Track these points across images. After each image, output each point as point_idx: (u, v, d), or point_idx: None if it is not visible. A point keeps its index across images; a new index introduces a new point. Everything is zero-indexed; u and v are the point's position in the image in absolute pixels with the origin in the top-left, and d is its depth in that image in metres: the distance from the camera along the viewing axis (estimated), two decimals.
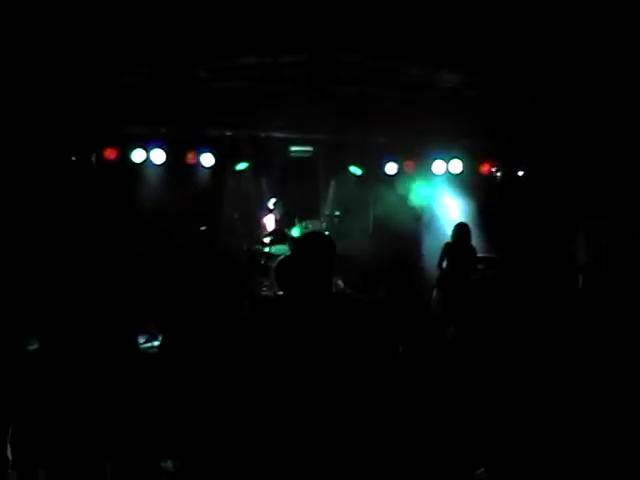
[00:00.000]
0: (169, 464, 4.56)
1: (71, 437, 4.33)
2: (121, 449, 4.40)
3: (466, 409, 4.80)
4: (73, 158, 10.09)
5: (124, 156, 10.36)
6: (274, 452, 3.60)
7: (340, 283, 10.41)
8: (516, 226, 10.45)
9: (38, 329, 5.13)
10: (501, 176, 11.01)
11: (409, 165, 10.80)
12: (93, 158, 10.19)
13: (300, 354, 3.63)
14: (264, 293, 9.73)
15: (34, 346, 5.04)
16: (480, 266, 9.44)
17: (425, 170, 10.90)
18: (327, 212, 10.89)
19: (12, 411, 4.52)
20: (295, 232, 10.57)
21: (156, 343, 7.55)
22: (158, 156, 10.41)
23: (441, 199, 10.99)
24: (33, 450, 4.33)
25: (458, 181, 10.84)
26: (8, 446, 4.36)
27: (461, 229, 9.21)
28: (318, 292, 3.74)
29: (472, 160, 10.81)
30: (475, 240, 9.40)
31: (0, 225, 8.76)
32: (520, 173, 10.78)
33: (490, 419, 4.78)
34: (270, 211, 10.61)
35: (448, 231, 9.44)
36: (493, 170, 11.00)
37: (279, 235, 10.38)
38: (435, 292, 9.28)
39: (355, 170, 11.05)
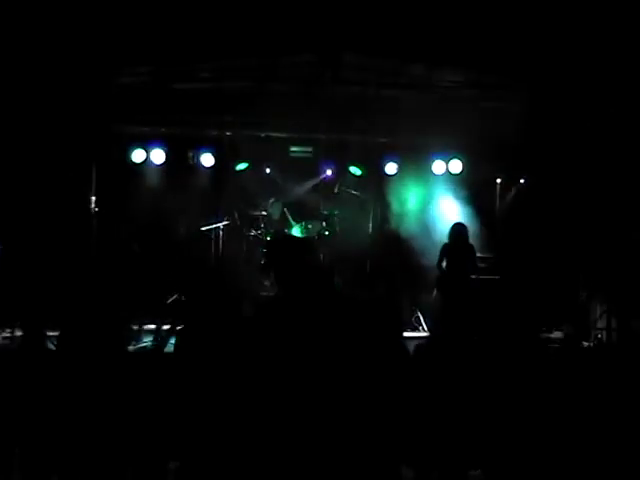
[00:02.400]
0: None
1: (86, 443, 4.34)
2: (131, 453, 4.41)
3: (462, 409, 4.80)
4: (74, 159, 10.08)
5: (124, 156, 10.36)
6: (275, 452, 3.60)
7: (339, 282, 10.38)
8: (516, 227, 10.45)
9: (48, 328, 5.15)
10: (501, 179, 11.00)
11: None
12: (93, 159, 10.19)
13: (301, 355, 3.63)
14: (265, 293, 9.73)
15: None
16: (482, 265, 9.44)
17: (425, 170, 10.90)
18: (326, 212, 10.89)
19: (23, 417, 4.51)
20: (295, 232, 10.57)
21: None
22: (158, 156, 10.41)
23: (440, 200, 10.98)
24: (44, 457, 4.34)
25: (458, 182, 10.83)
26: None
27: (458, 229, 9.20)
28: (317, 293, 3.76)
29: (472, 161, 10.80)
30: (474, 241, 9.39)
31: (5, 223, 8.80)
32: (520, 177, 10.77)
33: (486, 419, 4.77)
34: (269, 211, 10.63)
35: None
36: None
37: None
38: (435, 292, 9.29)
39: (355, 170, 11.05)
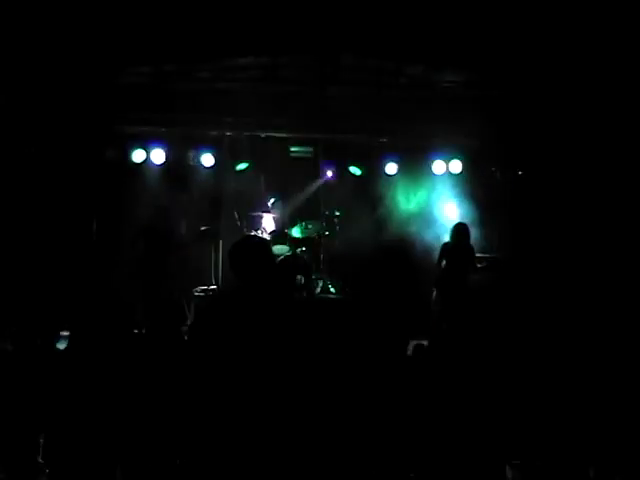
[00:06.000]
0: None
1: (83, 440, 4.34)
2: (130, 451, 4.41)
3: (462, 409, 4.80)
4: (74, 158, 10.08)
5: (124, 156, 10.37)
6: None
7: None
8: (516, 226, 10.46)
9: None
10: (501, 176, 11.01)
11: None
12: (93, 158, 10.18)
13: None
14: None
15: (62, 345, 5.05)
16: (480, 265, 9.43)
17: (425, 170, 10.91)
18: (327, 212, 10.89)
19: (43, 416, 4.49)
20: (295, 232, 10.57)
21: None
22: (158, 156, 10.41)
23: (440, 199, 10.98)
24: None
25: (458, 181, 10.83)
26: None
27: (460, 229, 9.20)
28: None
29: (472, 160, 10.81)
30: (474, 240, 9.40)
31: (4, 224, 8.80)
32: (519, 176, 10.78)
33: (490, 420, 4.78)
34: (269, 211, 10.60)
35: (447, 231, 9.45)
36: (493, 170, 11.02)
37: (279, 235, 10.38)
38: (435, 292, 9.28)
39: (355, 170, 11.05)
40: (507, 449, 4.68)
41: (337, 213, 10.83)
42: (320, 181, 11.11)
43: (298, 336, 3.70)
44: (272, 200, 10.64)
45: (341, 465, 4.05)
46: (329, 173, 11.00)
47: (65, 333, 5.14)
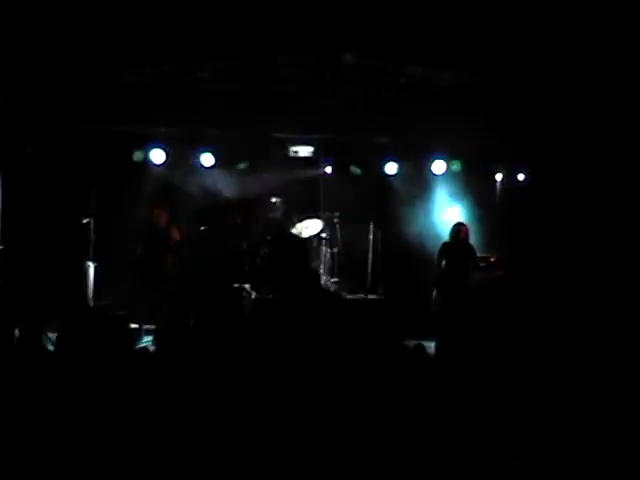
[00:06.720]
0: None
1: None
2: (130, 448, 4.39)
3: (463, 410, 4.80)
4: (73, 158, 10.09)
5: (124, 156, 10.37)
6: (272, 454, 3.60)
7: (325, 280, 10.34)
8: (516, 226, 10.47)
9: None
10: (501, 176, 11.02)
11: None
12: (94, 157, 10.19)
13: (302, 356, 3.64)
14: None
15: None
16: (482, 264, 9.45)
17: (425, 170, 10.92)
18: (327, 212, 10.89)
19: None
20: (295, 232, 10.56)
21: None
22: (158, 156, 10.40)
23: (440, 199, 11.00)
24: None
25: (458, 181, 10.84)
26: None
27: (459, 228, 9.22)
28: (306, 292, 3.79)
29: (472, 160, 10.82)
30: (474, 240, 9.42)
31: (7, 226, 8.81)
32: (520, 177, 10.79)
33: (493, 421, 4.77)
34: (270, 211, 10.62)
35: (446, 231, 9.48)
36: (493, 170, 11.04)
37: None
38: (435, 292, 9.30)
39: (355, 170, 11.06)
40: (510, 449, 4.67)
41: (337, 213, 10.84)
42: (317, 172, 11.06)
43: (304, 334, 3.71)
44: (274, 200, 10.66)
45: (341, 465, 4.05)
46: (327, 169, 10.97)
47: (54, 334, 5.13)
